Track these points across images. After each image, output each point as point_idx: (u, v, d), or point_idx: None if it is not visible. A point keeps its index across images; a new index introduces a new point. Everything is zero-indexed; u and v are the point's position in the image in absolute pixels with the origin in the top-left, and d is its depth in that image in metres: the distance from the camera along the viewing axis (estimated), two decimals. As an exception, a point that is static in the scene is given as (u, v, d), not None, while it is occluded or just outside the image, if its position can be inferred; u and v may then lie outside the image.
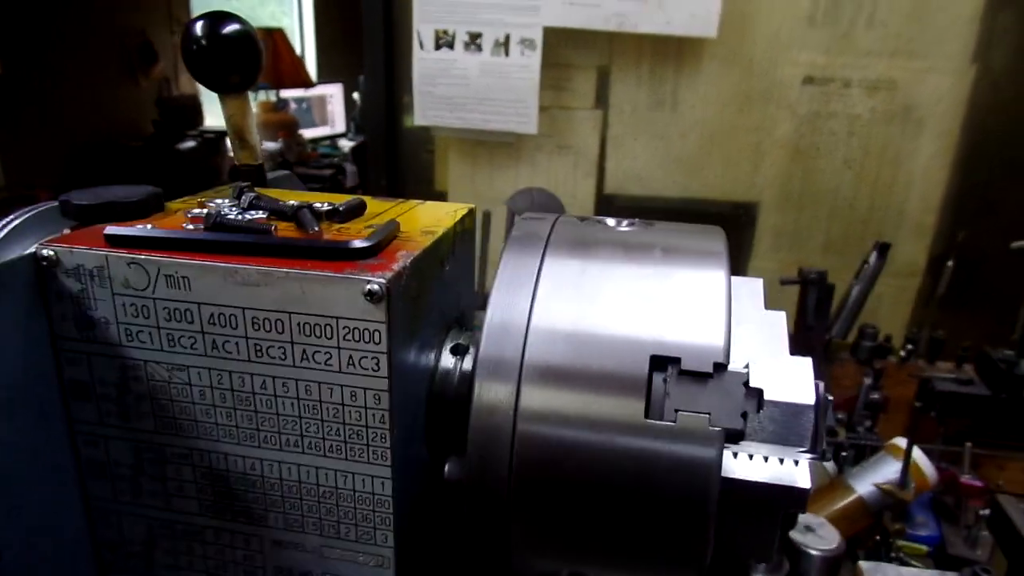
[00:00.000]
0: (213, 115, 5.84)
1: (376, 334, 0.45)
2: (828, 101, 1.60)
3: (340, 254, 0.46)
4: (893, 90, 1.57)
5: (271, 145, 5.40)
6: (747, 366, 0.44)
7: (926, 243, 1.67)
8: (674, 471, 0.42)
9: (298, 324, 0.46)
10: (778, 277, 1.41)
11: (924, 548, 1.24)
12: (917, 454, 1.28)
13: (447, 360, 0.56)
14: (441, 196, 1.89)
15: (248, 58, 0.59)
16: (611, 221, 0.55)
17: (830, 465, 1.27)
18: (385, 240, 0.49)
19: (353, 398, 0.46)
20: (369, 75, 1.78)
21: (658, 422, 0.42)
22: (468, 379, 0.57)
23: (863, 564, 0.69)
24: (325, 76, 6.32)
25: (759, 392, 0.43)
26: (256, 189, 0.59)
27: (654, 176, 1.75)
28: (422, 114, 1.75)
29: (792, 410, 0.44)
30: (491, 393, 0.44)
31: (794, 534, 1.15)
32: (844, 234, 1.69)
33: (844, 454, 1.38)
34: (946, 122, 1.57)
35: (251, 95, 0.64)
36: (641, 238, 0.51)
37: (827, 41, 1.56)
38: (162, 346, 0.48)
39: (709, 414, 0.42)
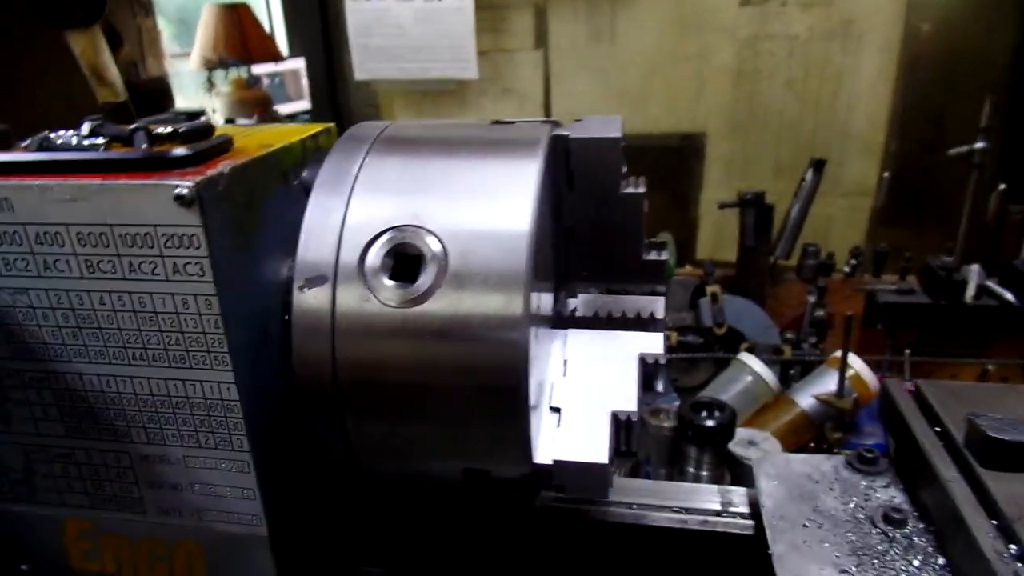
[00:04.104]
0: (183, 97, 5.79)
1: (194, 239, 0.45)
2: (766, 22, 1.58)
3: (157, 164, 0.47)
4: (829, 5, 1.54)
5: (246, 122, 5.35)
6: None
7: (876, 161, 1.66)
8: (487, 351, 0.43)
9: (121, 236, 0.46)
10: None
11: (870, 455, 1.26)
12: (859, 365, 1.29)
13: (304, 274, 0.56)
14: (391, 151, 1.88)
15: (89, -11, 0.59)
16: (453, 121, 0.56)
17: (774, 382, 1.28)
18: (210, 151, 0.49)
19: (185, 306, 0.47)
20: (305, 36, 1.77)
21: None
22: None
23: (754, 456, 0.71)
24: (296, 50, 6.23)
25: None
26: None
27: (599, 113, 1.74)
28: (361, 67, 1.74)
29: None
30: (308, 298, 0.45)
31: (735, 447, 1.17)
32: (792, 157, 1.68)
33: (792, 372, 1.40)
34: (885, 35, 1.55)
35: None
36: (468, 133, 0.52)
37: (760, -40, 1.54)
38: (0, 271, 0.49)
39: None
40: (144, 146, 0.50)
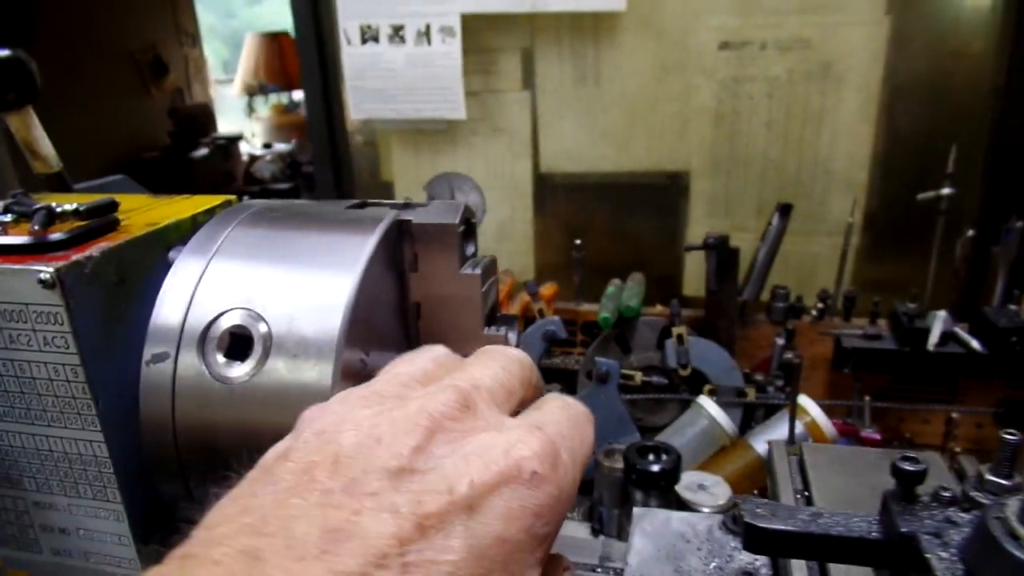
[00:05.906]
0: (226, 121, 6.04)
1: (58, 316, 0.51)
2: (744, 65, 1.60)
3: (36, 249, 0.53)
4: (807, 48, 1.55)
5: (282, 147, 5.57)
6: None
7: (859, 199, 1.65)
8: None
9: (3, 311, 0.52)
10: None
11: (828, 502, 1.26)
12: (816, 411, 1.29)
13: (190, 337, 0.62)
14: (387, 186, 1.96)
15: (19, 78, 0.66)
16: (319, 202, 0.61)
17: (730, 426, 1.29)
18: (87, 234, 0.55)
19: (56, 373, 0.53)
20: (305, 74, 1.85)
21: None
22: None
23: (636, 510, 0.73)
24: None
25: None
26: (39, 196, 0.66)
27: (585, 152, 1.78)
28: (357, 107, 1.81)
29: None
30: (153, 371, 0.50)
31: (684, 491, 1.18)
32: (775, 196, 1.68)
33: (758, 413, 1.40)
34: (864, 77, 1.55)
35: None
36: (325, 211, 0.57)
37: (737, 3, 1.56)
38: (-93, 337, 0.56)
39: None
40: (36, 227, 0.57)
